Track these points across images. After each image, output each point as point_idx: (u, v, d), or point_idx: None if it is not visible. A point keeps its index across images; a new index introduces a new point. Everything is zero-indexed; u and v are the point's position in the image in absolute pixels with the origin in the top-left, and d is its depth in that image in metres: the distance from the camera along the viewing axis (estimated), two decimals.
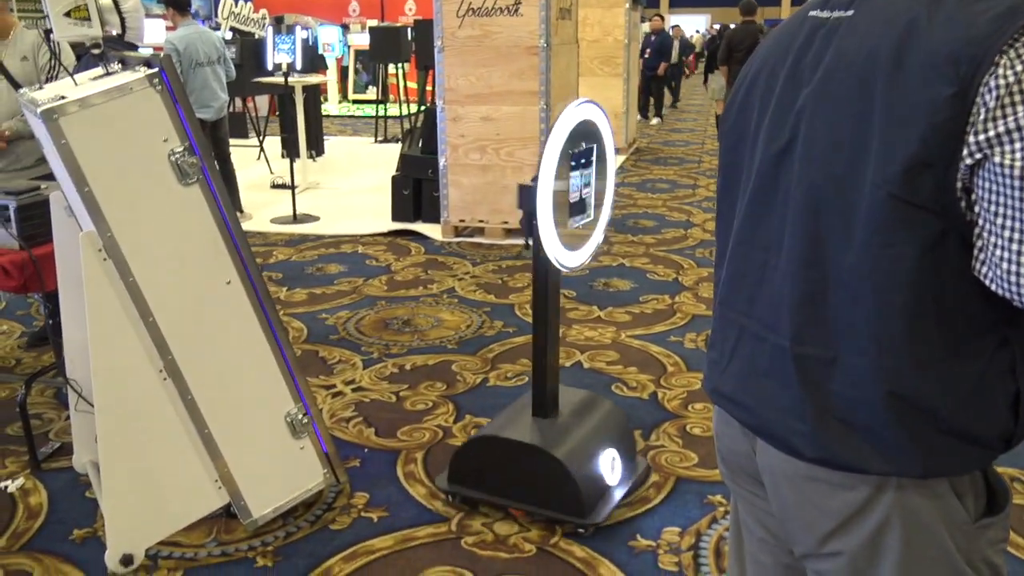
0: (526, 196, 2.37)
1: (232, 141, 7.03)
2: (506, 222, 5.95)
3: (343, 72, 15.79)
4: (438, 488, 2.78)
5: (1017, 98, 0.89)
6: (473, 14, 5.72)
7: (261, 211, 6.99)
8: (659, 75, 13.70)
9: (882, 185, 0.97)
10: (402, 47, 10.00)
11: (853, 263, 1.02)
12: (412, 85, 11.89)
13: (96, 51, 2.41)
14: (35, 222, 2.88)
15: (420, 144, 6.63)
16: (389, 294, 4.93)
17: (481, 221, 6.09)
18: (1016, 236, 0.91)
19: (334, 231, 6.42)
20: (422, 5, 16.29)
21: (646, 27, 14.68)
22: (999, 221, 0.92)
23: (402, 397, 3.53)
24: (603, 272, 5.27)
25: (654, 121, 13.66)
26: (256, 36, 10.37)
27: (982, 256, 0.95)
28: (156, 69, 2.14)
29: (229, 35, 10.19)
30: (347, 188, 8.15)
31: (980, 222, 0.94)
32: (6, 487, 2.84)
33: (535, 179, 2.34)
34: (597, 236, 2.63)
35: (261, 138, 9.33)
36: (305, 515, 2.67)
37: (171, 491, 2.39)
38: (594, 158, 2.53)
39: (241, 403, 2.45)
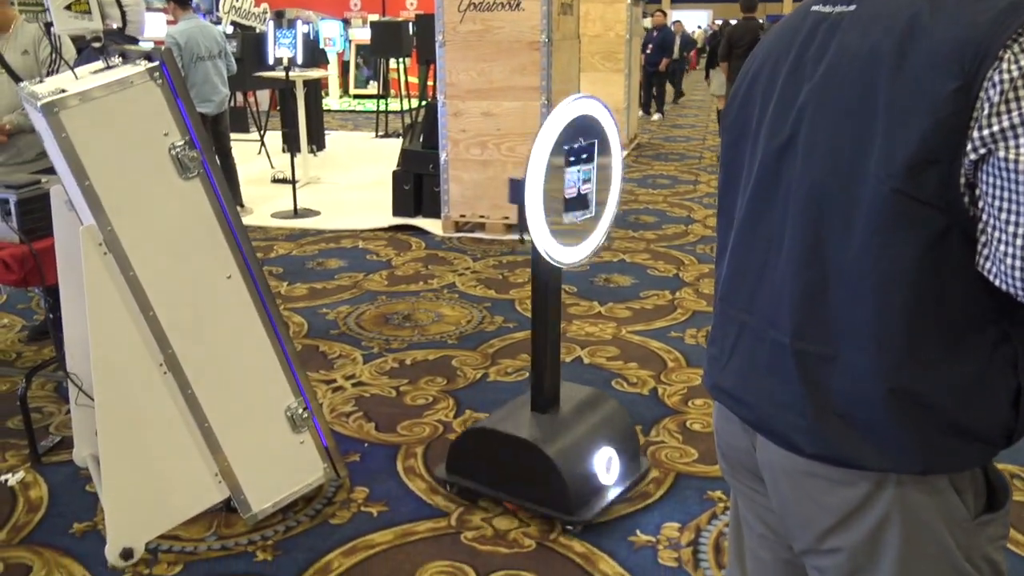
0: (514, 190, 2.38)
1: (233, 135, 7.03)
2: (507, 217, 5.95)
3: (344, 67, 15.78)
4: (436, 477, 2.79)
5: (1022, 92, 0.89)
6: (475, 9, 5.71)
7: (262, 206, 6.99)
8: (661, 71, 13.68)
9: (885, 181, 0.97)
10: (403, 42, 9.99)
11: (854, 259, 1.02)
12: (413, 80, 11.86)
13: (97, 45, 2.41)
14: (36, 216, 2.88)
15: (421, 139, 6.62)
16: (389, 289, 4.93)
17: (482, 216, 6.09)
18: (1021, 231, 0.91)
19: (335, 226, 6.42)
20: None
21: (648, 23, 14.66)
22: (1003, 216, 0.92)
23: (402, 392, 3.54)
24: (604, 268, 5.27)
25: (655, 117, 13.65)
26: (257, 30, 10.37)
27: (986, 251, 0.95)
28: (157, 63, 2.14)
29: (230, 29, 10.20)
30: (348, 183, 8.14)
31: (984, 217, 0.94)
32: (6, 481, 2.85)
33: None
34: (599, 233, 2.62)
35: (262, 133, 9.32)
36: (305, 509, 2.67)
37: (171, 485, 2.39)
38: (596, 154, 2.52)
39: (241, 397, 2.46)
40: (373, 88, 14.33)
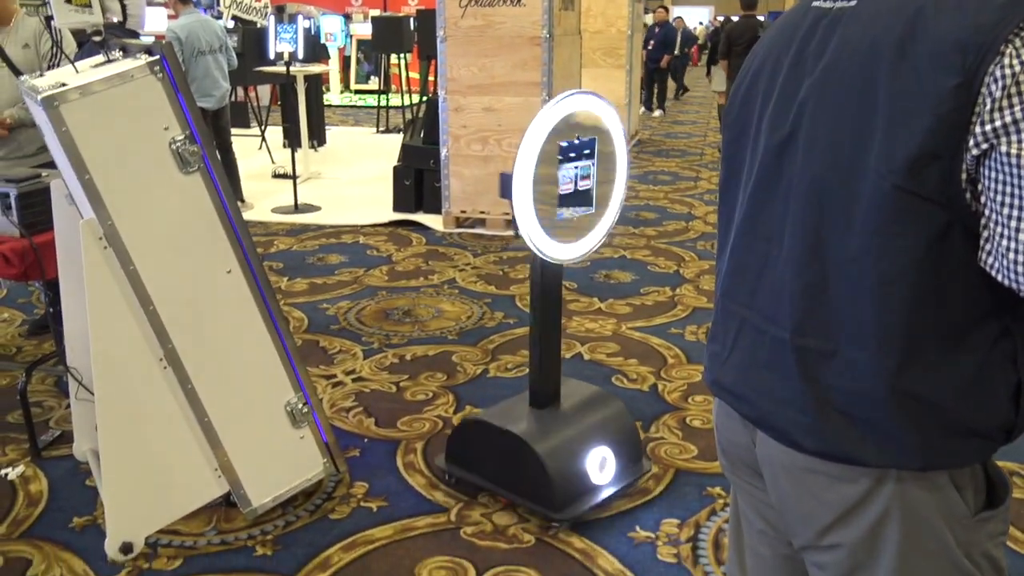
0: (504, 185, 2.38)
1: (233, 130, 7.03)
2: (507, 213, 5.94)
3: (345, 62, 15.75)
4: (435, 467, 2.80)
5: None
6: (476, 4, 5.70)
7: (262, 200, 6.99)
8: (662, 67, 13.66)
9: (887, 176, 0.97)
10: (404, 37, 9.98)
11: (854, 255, 1.02)
12: (414, 75, 11.86)
13: (97, 38, 2.40)
14: (36, 210, 2.87)
15: (422, 134, 6.62)
16: (390, 284, 4.93)
17: (482, 212, 6.09)
18: (1023, 226, 0.90)
19: (335, 221, 6.42)
20: None
21: (649, 19, 14.64)
22: (1005, 211, 0.91)
23: (402, 387, 3.54)
24: (604, 264, 5.27)
25: (656, 113, 13.63)
26: (258, 25, 10.35)
27: (988, 247, 0.95)
28: (157, 57, 2.14)
29: (231, 24, 10.17)
30: (348, 178, 8.14)
31: (986, 212, 0.94)
32: (6, 475, 2.85)
33: None
34: (599, 231, 2.61)
35: (263, 127, 9.31)
36: (305, 504, 2.67)
37: (171, 479, 2.39)
38: (596, 150, 2.51)
39: (241, 392, 2.45)
40: (374, 83, 14.31)
